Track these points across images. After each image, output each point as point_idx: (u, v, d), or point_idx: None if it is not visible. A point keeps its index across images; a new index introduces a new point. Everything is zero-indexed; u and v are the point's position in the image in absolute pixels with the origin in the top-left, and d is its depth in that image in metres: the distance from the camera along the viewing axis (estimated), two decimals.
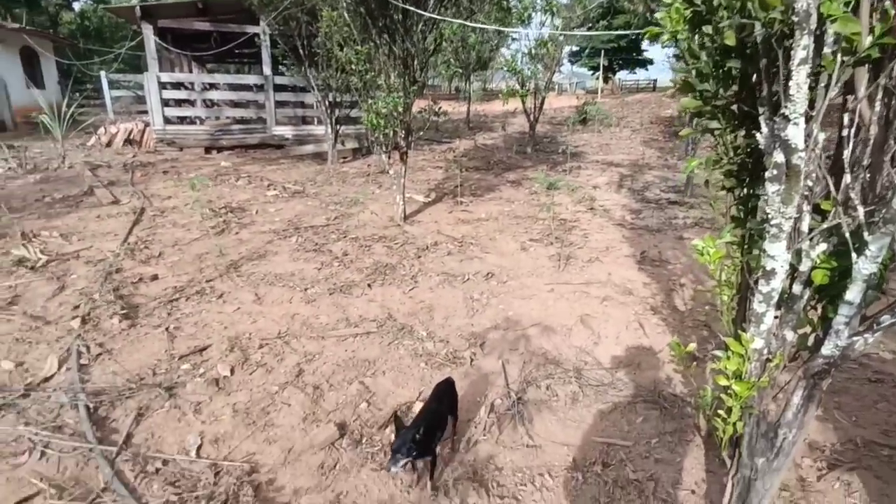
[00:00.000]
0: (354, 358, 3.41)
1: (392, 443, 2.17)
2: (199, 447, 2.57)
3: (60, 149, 10.22)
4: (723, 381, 1.95)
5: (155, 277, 4.66)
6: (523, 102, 11.83)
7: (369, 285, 4.57)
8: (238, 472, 2.41)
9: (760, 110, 1.73)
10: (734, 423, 2.08)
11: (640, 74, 43.68)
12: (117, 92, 13.14)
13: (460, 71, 16.78)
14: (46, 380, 3.12)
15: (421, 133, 6.84)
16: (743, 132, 2.02)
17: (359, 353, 3.47)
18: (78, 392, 2.93)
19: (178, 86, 12.18)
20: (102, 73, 12.62)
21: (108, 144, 11.71)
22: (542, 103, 12.24)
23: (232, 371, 3.21)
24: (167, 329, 3.73)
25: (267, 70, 11.26)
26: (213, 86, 13.10)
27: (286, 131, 11.78)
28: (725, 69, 1.92)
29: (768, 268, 1.73)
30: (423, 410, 2.49)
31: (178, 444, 2.61)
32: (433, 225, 6.42)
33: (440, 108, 6.55)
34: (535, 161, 11.09)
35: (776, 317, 1.85)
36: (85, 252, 5.30)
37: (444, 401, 2.53)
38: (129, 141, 11.70)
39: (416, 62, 5.99)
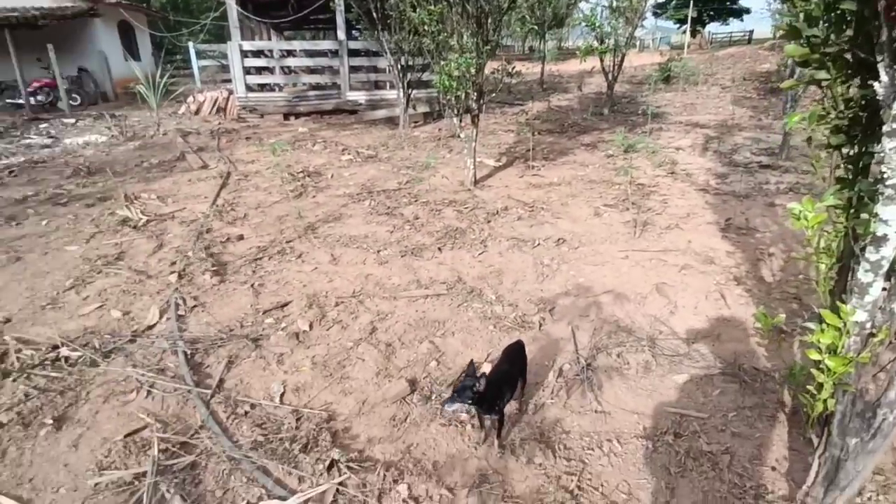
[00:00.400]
0: (425, 318, 3.49)
1: (454, 386, 2.23)
2: (282, 394, 2.76)
3: (155, 117, 10.98)
4: (814, 356, 1.82)
5: (241, 237, 4.97)
6: (601, 60, 11.24)
7: (439, 249, 4.62)
8: (317, 419, 2.57)
9: (878, 57, 1.53)
10: (824, 400, 1.94)
11: (734, 26, 40.08)
12: (204, 61, 13.84)
13: (536, 28, 16.11)
14: (150, 328, 3.44)
15: (493, 95, 6.69)
16: (856, 82, 1.81)
17: (429, 313, 3.55)
18: (177, 340, 3.22)
19: (258, 54, 12.59)
20: (190, 44, 13.31)
21: (197, 112, 12.43)
22: (622, 61, 11.57)
23: (311, 326, 3.40)
24: (252, 285, 3.98)
25: (341, 35, 11.37)
26: (290, 53, 13.44)
27: (359, 96, 11.94)
28: (838, 11, 1.71)
29: (879, 233, 1.57)
30: (493, 370, 2.53)
31: (264, 390, 2.81)
32: (504, 189, 6.35)
33: (514, 67, 6.36)
34: (613, 123, 10.59)
35: (884, 288, 1.68)
36: (179, 213, 5.73)
37: (514, 363, 2.54)
38: (215, 109, 12.35)
39: (489, 20, 5.82)
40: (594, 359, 3.01)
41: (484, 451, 2.37)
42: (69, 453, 2.41)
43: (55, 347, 3.17)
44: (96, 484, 2.21)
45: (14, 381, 2.88)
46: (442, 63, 5.82)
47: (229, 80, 12.21)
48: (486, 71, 6.26)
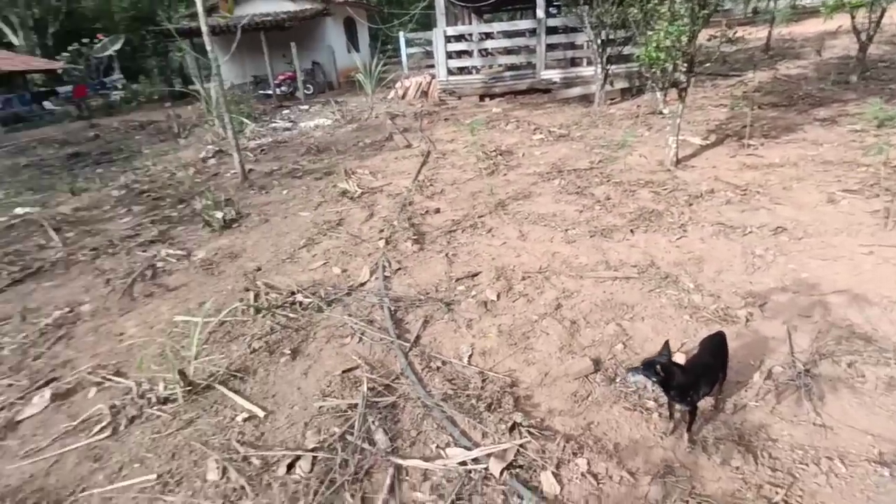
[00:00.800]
0: (612, 300, 3.38)
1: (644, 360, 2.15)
2: (470, 356, 2.96)
3: (370, 102, 12.31)
4: None
5: (437, 211, 5.36)
6: (852, 17, 9.27)
7: (631, 231, 4.40)
8: (501, 383, 2.70)
9: None
10: None
11: None
12: (411, 49, 15.01)
13: None
14: (361, 285, 3.96)
15: (706, 65, 6.04)
16: None
17: (617, 296, 3.43)
18: (383, 297, 3.65)
19: (459, 38, 13.22)
20: (401, 34, 14.53)
21: (403, 97, 13.58)
22: (882, 16, 9.38)
23: (498, 297, 3.55)
24: (447, 255, 4.30)
25: (540, 13, 11.30)
26: (488, 35, 13.82)
27: (554, 75, 11.78)
28: None
29: None
30: (691, 359, 2.37)
31: (454, 350, 3.04)
32: (710, 170, 5.73)
33: (734, 33, 5.63)
34: (863, 93, 8.71)
35: None
36: (387, 187, 6.39)
37: (714, 355, 2.35)
38: (419, 93, 13.36)
39: None
40: (815, 365, 2.60)
41: (671, 442, 2.24)
42: (301, 379, 2.93)
43: (292, 293, 3.84)
44: (320, 407, 2.66)
45: (263, 316, 3.58)
46: (649, 33, 5.42)
47: (433, 66, 13.08)
48: (700, 39, 5.65)
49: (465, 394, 2.64)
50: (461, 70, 13.03)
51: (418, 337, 3.19)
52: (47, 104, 19.55)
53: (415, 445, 2.38)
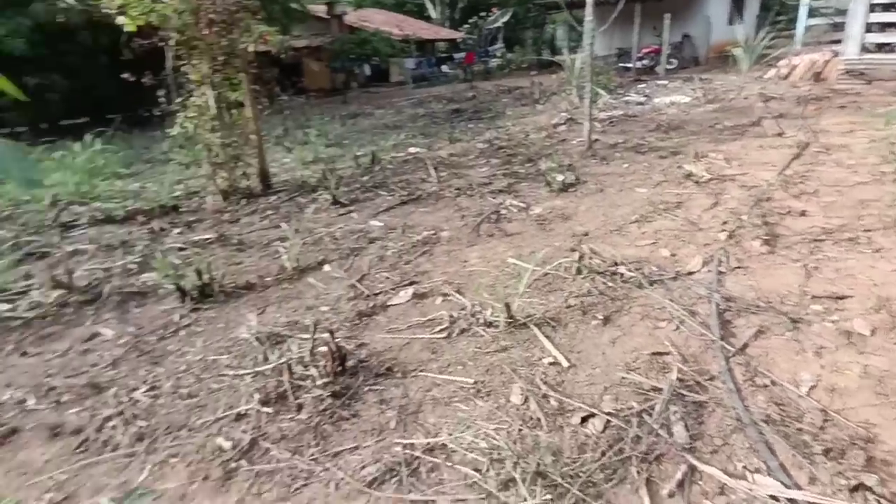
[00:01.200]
0: None
1: None
2: (812, 388, 2.46)
3: (740, 81, 10.90)
4: None
5: (803, 213, 4.50)
6: None
7: None
8: (850, 433, 2.18)
9: None
10: None
11: None
12: (813, 20, 12.44)
13: None
14: (689, 273, 3.68)
15: None
16: None
17: None
18: (713, 291, 3.32)
19: (889, 6, 10.29)
20: (802, 1, 12.16)
21: (787, 76, 11.53)
22: None
23: (872, 332, 2.81)
24: (805, 266, 3.59)
25: None
26: None
27: None
28: None
29: None
30: None
31: (790, 374, 2.58)
32: None
33: None
34: None
35: None
36: (741, 177, 5.66)
37: None
38: (810, 73, 11.12)
39: None
40: None
41: None
42: (608, 346, 2.97)
43: (615, 264, 3.85)
44: (622, 378, 2.66)
45: (583, 278, 3.71)
46: None
47: (837, 41, 10.63)
48: None
49: (796, 426, 2.23)
50: (881, 47, 10.22)
51: (746, 345, 2.81)
52: (444, 68, 23.88)
53: (716, 454, 2.16)
